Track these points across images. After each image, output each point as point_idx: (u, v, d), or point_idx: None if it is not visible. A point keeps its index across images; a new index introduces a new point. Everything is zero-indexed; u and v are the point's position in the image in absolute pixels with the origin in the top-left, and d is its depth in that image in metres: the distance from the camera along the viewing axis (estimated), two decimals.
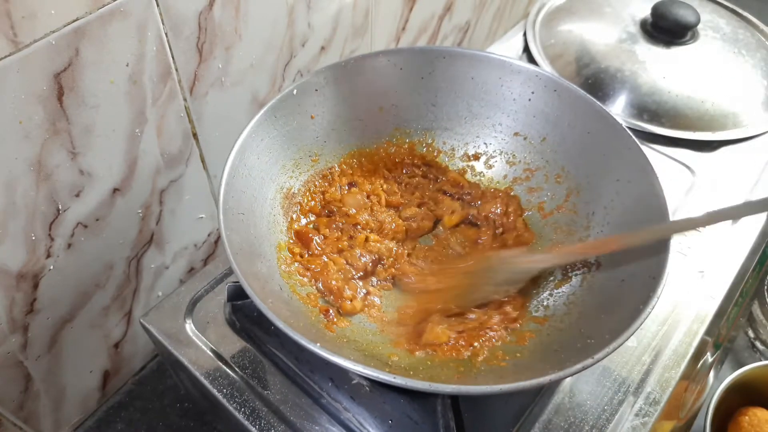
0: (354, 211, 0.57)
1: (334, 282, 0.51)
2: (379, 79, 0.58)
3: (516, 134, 0.59)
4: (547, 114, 0.57)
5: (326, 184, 0.58)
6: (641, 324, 0.40)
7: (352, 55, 0.56)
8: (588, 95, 0.54)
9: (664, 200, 0.48)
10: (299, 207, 0.55)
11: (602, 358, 0.38)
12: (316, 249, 0.53)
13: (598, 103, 0.54)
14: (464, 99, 0.59)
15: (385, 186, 0.60)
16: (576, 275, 0.52)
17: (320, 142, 0.57)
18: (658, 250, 0.45)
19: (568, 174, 0.57)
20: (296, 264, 0.51)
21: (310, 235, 0.54)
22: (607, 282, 0.49)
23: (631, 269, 0.47)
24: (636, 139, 0.51)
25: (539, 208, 0.58)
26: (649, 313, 0.40)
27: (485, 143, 0.61)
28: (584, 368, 0.37)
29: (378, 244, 0.55)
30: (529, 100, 0.57)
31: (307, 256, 0.53)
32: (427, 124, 0.61)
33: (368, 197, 0.58)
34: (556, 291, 0.52)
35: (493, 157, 0.61)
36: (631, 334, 0.39)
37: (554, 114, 0.57)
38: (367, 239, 0.56)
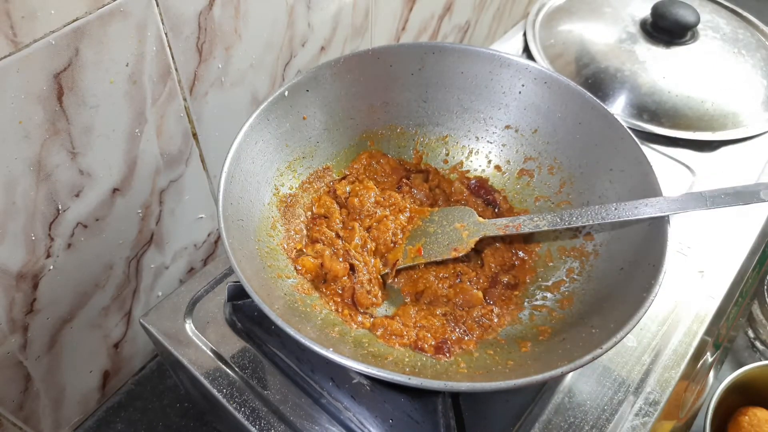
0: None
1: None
2: (369, 77, 0.57)
3: (507, 127, 0.59)
4: (537, 106, 0.57)
5: (322, 185, 0.58)
6: (645, 312, 0.40)
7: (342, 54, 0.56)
8: (578, 86, 0.54)
9: (658, 188, 0.48)
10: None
11: (611, 347, 0.38)
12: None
13: (589, 93, 0.54)
14: (454, 94, 0.59)
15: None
16: (574, 265, 0.52)
17: (313, 142, 0.57)
18: (656, 234, 0.45)
19: (560, 165, 0.57)
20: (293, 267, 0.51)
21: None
22: (606, 271, 0.49)
23: (630, 257, 0.47)
24: (628, 129, 0.51)
25: (535, 199, 0.58)
26: (653, 301, 0.40)
27: (477, 137, 0.61)
28: (594, 358, 0.37)
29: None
30: (520, 92, 0.57)
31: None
32: (418, 120, 0.61)
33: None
34: (553, 280, 0.52)
35: (484, 150, 0.61)
36: (637, 323, 0.39)
37: (545, 106, 0.57)
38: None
